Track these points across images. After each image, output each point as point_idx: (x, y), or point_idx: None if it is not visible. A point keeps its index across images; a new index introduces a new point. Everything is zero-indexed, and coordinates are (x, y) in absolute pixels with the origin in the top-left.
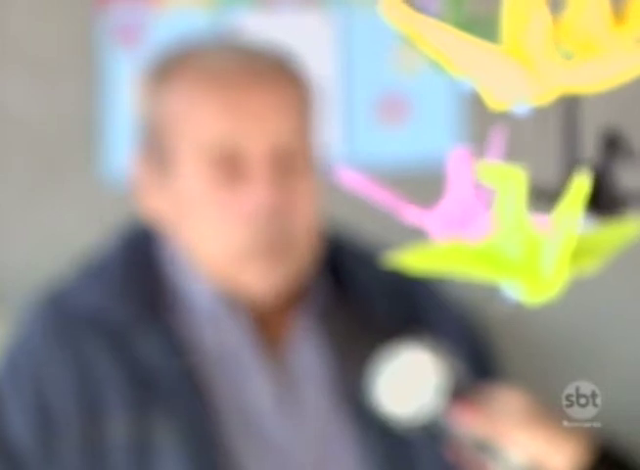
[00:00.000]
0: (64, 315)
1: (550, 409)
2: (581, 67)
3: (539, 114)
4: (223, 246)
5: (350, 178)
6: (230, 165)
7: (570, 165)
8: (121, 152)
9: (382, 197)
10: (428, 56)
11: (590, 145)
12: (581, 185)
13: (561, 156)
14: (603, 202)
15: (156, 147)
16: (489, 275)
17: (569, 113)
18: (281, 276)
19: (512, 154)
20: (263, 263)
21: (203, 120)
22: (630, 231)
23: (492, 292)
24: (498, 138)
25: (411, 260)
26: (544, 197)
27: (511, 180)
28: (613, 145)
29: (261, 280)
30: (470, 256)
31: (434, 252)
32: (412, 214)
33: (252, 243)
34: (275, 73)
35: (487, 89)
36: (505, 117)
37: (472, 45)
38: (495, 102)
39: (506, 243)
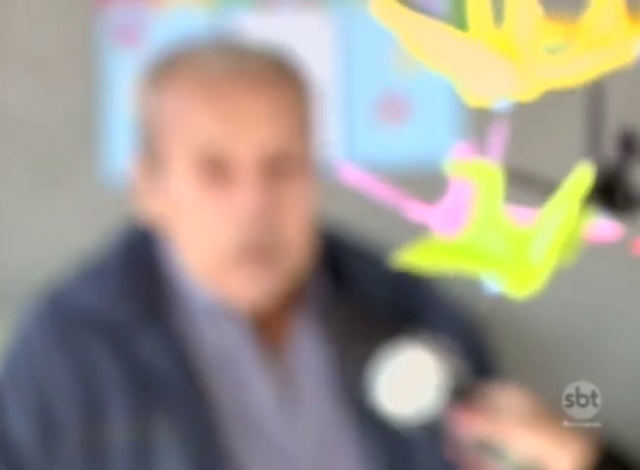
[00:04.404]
0: (64, 316)
1: (553, 408)
2: (567, 61)
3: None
4: (210, 250)
5: (353, 175)
6: (217, 169)
7: (594, 161)
8: (121, 152)
9: (385, 194)
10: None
11: (609, 144)
12: (583, 176)
13: (583, 151)
14: (619, 201)
15: (151, 149)
16: (471, 268)
17: (592, 107)
18: (270, 281)
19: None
20: (251, 269)
21: (192, 123)
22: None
23: (481, 287)
24: (498, 136)
25: (415, 258)
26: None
27: (486, 176)
28: (629, 143)
29: (249, 285)
30: (451, 250)
31: (426, 248)
32: (416, 211)
33: (239, 247)
34: (270, 75)
35: (467, 85)
36: (505, 117)
37: (455, 38)
38: (474, 98)
39: (484, 237)
